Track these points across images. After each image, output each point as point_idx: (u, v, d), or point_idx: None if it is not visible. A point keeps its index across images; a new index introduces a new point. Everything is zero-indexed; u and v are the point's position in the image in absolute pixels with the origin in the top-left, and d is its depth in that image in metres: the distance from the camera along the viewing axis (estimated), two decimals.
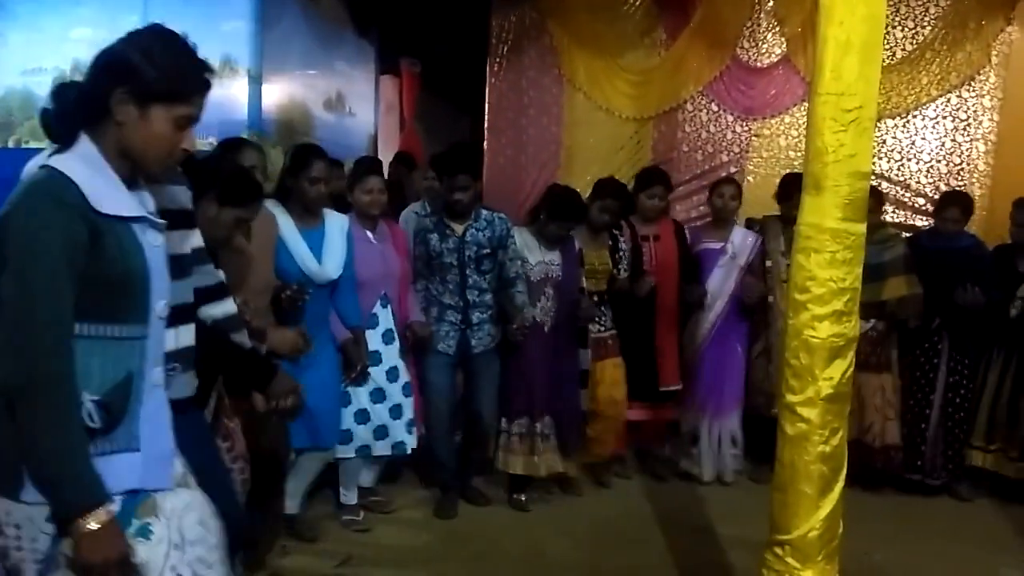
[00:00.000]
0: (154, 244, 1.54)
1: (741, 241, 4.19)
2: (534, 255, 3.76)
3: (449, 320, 3.64)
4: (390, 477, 3.98)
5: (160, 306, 1.54)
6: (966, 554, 3.57)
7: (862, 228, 2.22)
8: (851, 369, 2.26)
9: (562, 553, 3.48)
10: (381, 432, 3.49)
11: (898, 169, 5.29)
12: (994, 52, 5.14)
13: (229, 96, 4.49)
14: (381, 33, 5.87)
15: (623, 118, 5.62)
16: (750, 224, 4.42)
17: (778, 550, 2.31)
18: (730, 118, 5.54)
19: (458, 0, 5.55)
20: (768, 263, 4.17)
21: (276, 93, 4.76)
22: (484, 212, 3.67)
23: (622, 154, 5.58)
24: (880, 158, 5.26)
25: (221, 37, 4.49)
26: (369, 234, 3.48)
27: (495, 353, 3.72)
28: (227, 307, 2.14)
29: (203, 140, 4.26)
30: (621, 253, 4.04)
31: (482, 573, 3.30)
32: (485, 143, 5.77)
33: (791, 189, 4.00)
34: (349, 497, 3.62)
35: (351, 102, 5.62)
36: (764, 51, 5.45)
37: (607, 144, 5.55)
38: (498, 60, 5.72)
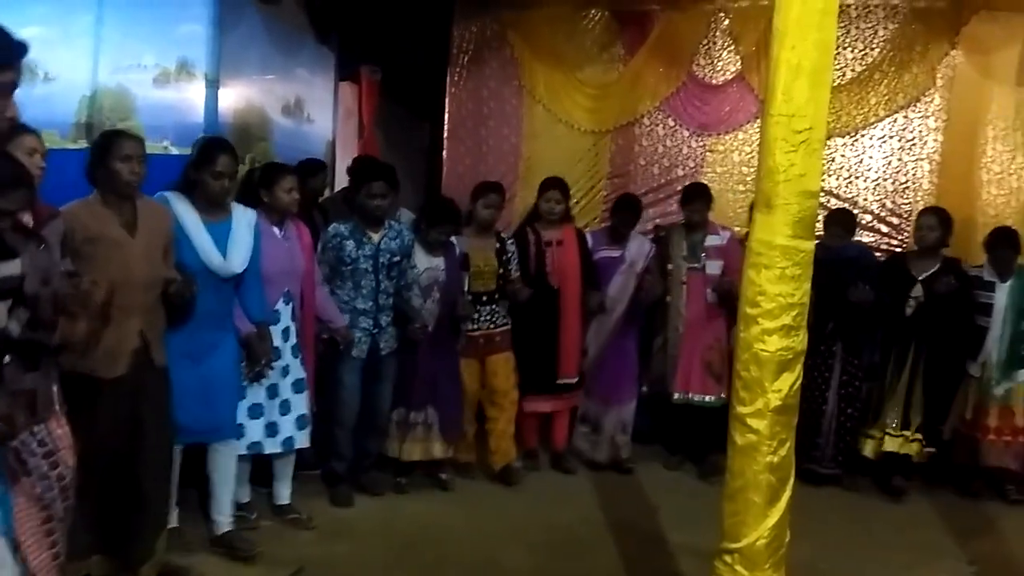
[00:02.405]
0: None
1: (638, 249, 4.60)
2: (422, 262, 4.03)
3: (362, 327, 3.84)
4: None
5: None
6: (906, 559, 3.68)
7: (811, 245, 2.29)
8: (799, 381, 2.33)
9: (516, 561, 3.50)
10: (272, 429, 3.49)
11: (846, 186, 5.44)
12: (939, 75, 5.30)
13: (185, 100, 4.43)
14: (341, 40, 5.84)
15: (581, 131, 5.69)
16: (656, 229, 4.79)
17: (727, 558, 2.36)
18: (686, 133, 5.64)
19: (419, 9, 5.56)
20: (669, 266, 4.55)
21: (233, 98, 4.71)
22: (393, 223, 3.95)
23: (580, 166, 5.65)
24: (829, 175, 5.39)
25: (178, 40, 4.43)
26: (276, 230, 3.50)
27: (395, 354, 3.97)
28: None
29: (157, 143, 4.21)
30: (509, 255, 4.29)
31: None
32: (444, 152, 5.79)
33: (692, 195, 4.60)
34: (241, 495, 3.58)
35: (310, 108, 5.58)
36: (719, 69, 5.56)
37: (565, 156, 5.61)
38: (459, 70, 5.75)
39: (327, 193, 5.17)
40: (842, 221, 4.60)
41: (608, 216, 5.32)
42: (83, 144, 4.18)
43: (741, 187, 5.49)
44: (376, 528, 3.74)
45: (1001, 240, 4.40)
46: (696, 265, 4.53)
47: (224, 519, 3.32)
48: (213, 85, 4.46)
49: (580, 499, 4.24)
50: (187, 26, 4.43)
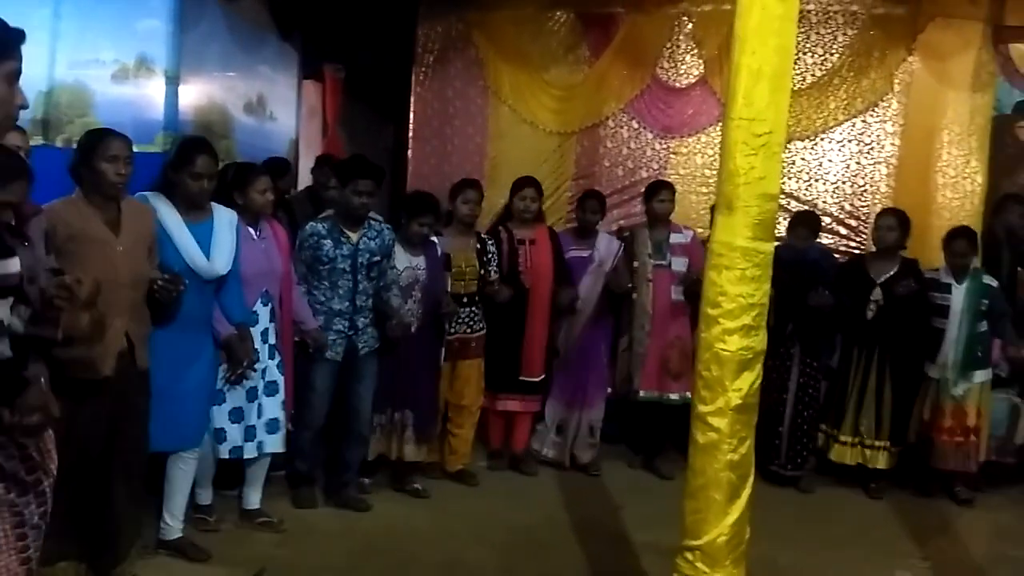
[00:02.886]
0: None
1: (606, 248, 4.57)
2: (401, 261, 3.94)
3: (337, 328, 3.73)
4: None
5: None
6: (863, 555, 3.75)
7: (770, 247, 2.33)
8: (759, 380, 2.37)
9: (480, 562, 3.50)
10: (250, 433, 3.44)
11: (806, 189, 5.52)
12: (896, 80, 5.41)
13: (144, 96, 4.37)
14: (304, 37, 5.81)
15: (547, 132, 5.70)
16: (620, 232, 4.79)
17: (689, 555, 2.39)
18: (650, 135, 5.68)
19: (383, 8, 5.54)
20: (636, 264, 4.56)
21: (194, 95, 4.65)
22: (373, 222, 3.81)
23: (545, 167, 5.66)
24: (789, 178, 5.48)
25: (137, 36, 4.37)
26: (252, 231, 3.44)
27: (375, 354, 3.87)
28: None
29: None
30: (489, 256, 4.27)
31: None
32: (409, 152, 5.77)
33: (657, 187, 4.67)
34: (204, 496, 3.52)
35: (272, 106, 5.54)
36: (683, 72, 5.62)
37: (531, 157, 5.62)
38: (424, 70, 5.73)
39: (291, 192, 5.14)
40: (807, 222, 4.66)
41: (574, 216, 5.35)
42: (40, 141, 4.10)
43: (704, 189, 5.55)
44: (340, 529, 3.71)
45: (958, 236, 4.46)
46: (662, 262, 4.55)
47: (177, 524, 3.27)
48: (173, 82, 4.40)
49: (544, 499, 4.25)
50: (146, 21, 4.38)
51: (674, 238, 4.59)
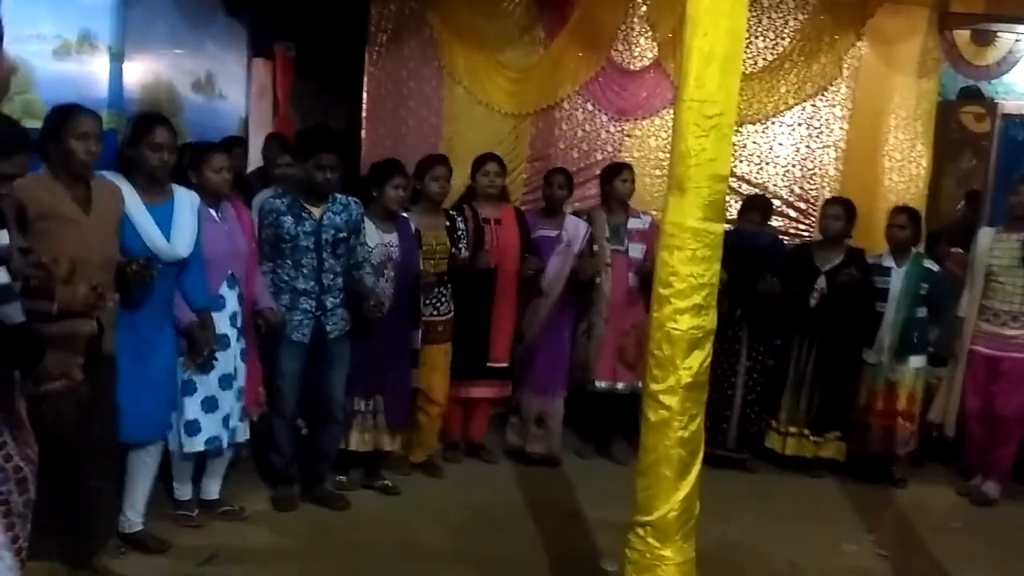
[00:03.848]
0: None
1: (574, 229, 4.45)
2: (373, 238, 3.77)
3: (303, 308, 3.57)
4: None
5: None
6: (810, 531, 3.86)
7: (720, 228, 2.36)
8: (709, 359, 2.41)
9: (435, 542, 3.52)
10: (227, 422, 3.36)
11: (757, 172, 5.60)
12: (845, 65, 5.50)
13: (88, 73, 4.22)
14: (253, 14, 5.68)
15: (502, 113, 5.67)
16: (577, 214, 4.69)
17: (640, 531, 2.43)
18: (604, 118, 5.69)
19: None
20: (595, 248, 4.45)
21: (139, 72, 4.52)
22: (339, 196, 3.63)
23: (500, 148, 5.59)
24: (741, 161, 5.55)
25: (79, 10, 4.22)
26: (213, 212, 3.34)
27: (347, 337, 3.70)
28: None
29: None
30: (459, 233, 4.14)
31: (354, 566, 3.30)
32: (363, 132, 5.70)
33: (609, 176, 4.57)
34: (183, 492, 3.45)
35: (221, 84, 5.41)
36: (637, 55, 5.63)
37: (486, 138, 5.58)
38: (377, 49, 5.65)
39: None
40: (759, 206, 4.67)
41: (530, 197, 5.35)
42: None
43: (658, 172, 5.58)
44: (292, 513, 3.69)
45: (900, 211, 4.53)
46: (619, 248, 4.48)
47: (137, 518, 3.19)
48: (118, 59, 4.27)
49: (497, 481, 4.28)
50: None
51: (632, 223, 4.53)
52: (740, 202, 5.01)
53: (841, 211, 4.47)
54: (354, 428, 3.86)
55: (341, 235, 3.60)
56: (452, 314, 4.14)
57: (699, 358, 2.36)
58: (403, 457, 4.18)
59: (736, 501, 4.06)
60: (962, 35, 5.43)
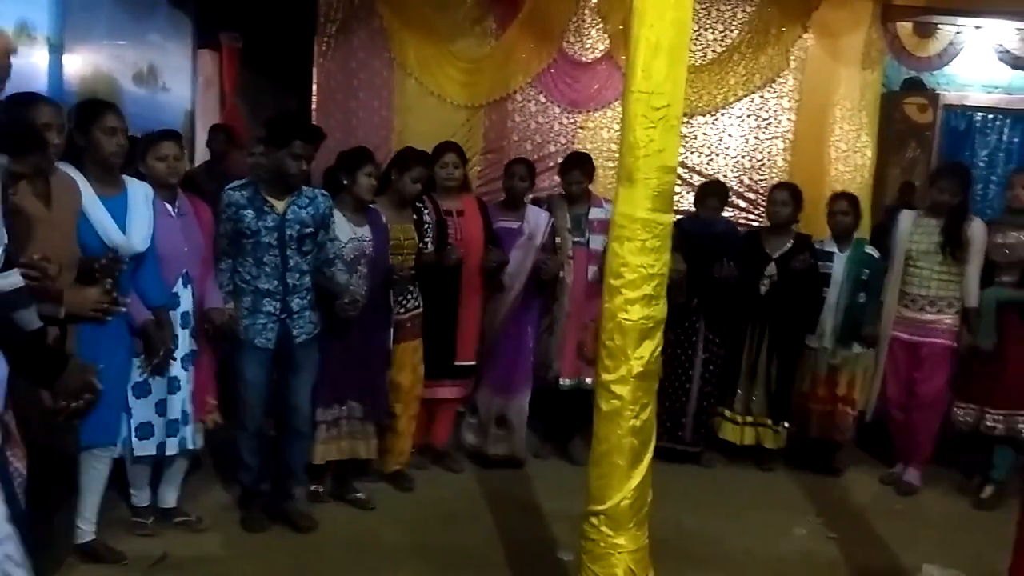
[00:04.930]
0: None
1: (536, 220, 4.30)
2: (344, 232, 3.55)
3: (266, 311, 3.32)
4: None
5: None
6: (762, 517, 3.92)
7: (669, 218, 2.38)
8: (659, 348, 2.43)
9: (392, 537, 3.50)
10: (173, 427, 3.22)
11: (708, 163, 5.66)
12: (792, 57, 5.58)
13: (26, 65, 4.09)
14: (198, 4, 5.56)
15: (455, 105, 5.64)
16: (536, 203, 4.56)
17: (594, 520, 2.44)
18: (557, 110, 5.70)
19: None
20: (557, 240, 4.33)
21: (79, 63, 4.40)
22: (305, 188, 3.40)
23: (454, 141, 5.61)
24: (692, 152, 5.61)
25: (17, 0, 4.10)
26: (168, 206, 3.19)
27: (316, 341, 3.46)
28: (11, 280, 1.86)
29: None
30: (427, 227, 3.96)
31: (312, 562, 3.26)
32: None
33: (570, 164, 4.43)
34: (140, 499, 3.33)
35: (165, 76, 5.29)
36: (588, 47, 5.65)
37: (438, 130, 5.52)
38: (326, 40, 5.57)
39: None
40: (717, 193, 4.62)
41: (483, 191, 5.32)
42: None
43: (611, 164, 5.59)
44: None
45: (840, 196, 4.57)
46: (580, 240, 4.35)
47: (89, 528, 3.08)
48: (56, 50, 4.15)
49: (454, 476, 4.25)
50: None
51: (594, 213, 4.35)
52: (691, 192, 5.05)
53: (787, 196, 4.47)
54: (326, 438, 3.64)
55: (307, 231, 3.34)
56: (420, 310, 3.96)
57: (650, 348, 2.38)
58: (373, 468, 3.97)
59: (690, 489, 4.12)
60: (904, 27, 5.55)
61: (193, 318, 3.30)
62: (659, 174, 2.32)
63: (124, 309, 2.65)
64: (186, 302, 3.26)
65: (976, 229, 4.18)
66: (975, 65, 5.84)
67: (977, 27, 5.44)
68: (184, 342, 3.26)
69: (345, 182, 3.59)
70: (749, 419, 4.53)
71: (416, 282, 3.94)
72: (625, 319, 2.36)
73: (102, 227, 2.86)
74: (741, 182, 5.63)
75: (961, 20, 5.47)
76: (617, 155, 5.39)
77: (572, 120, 5.70)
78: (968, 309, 4.19)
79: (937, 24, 5.53)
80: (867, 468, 4.65)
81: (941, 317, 4.26)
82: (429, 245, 3.95)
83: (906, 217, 4.43)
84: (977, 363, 4.20)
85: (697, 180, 5.48)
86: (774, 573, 3.38)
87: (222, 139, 5.41)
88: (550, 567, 3.22)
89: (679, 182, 5.37)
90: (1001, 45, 5.45)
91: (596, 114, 5.70)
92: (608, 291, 2.41)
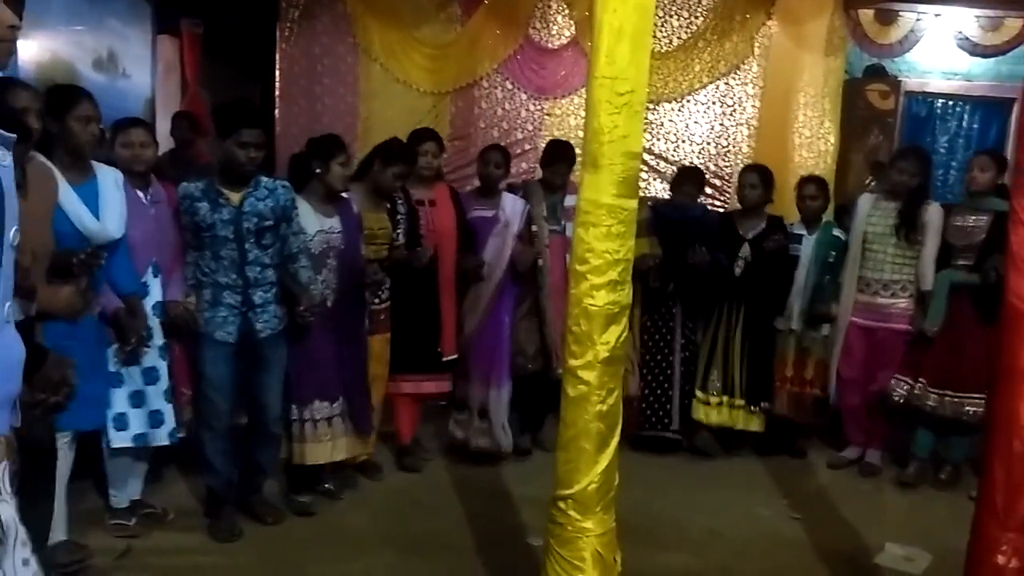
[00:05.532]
0: (2, 163, 1.34)
1: (512, 208, 4.24)
2: (312, 224, 3.43)
3: (228, 303, 3.20)
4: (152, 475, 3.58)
5: (12, 233, 1.36)
6: (728, 499, 3.98)
7: (634, 204, 2.38)
8: (625, 333, 2.43)
9: (359, 525, 3.49)
10: (157, 418, 3.19)
11: (674, 150, 5.69)
12: (757, 44, 5.62)
13: None
14: None
15: (421, 92, 5.62)
16: (511, 189, 4.52)
17: (561, 504, 2.45)
18: (524, 96, 5.69)
19: None
20: (534, 228, 4.29)
21: (35, 49, 4.30)
22: (264, 179, 3.27)
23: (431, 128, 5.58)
24: (658, 139, 5.63)
25: None
26: (140, 193, 3.16)
27: (282, 336, 3.34)
28: None
29: None
30: (400, 217, 3.88)
31: (278, 552, 3.24)
32: (277, 111, 5.56)
33: (553, 155, 4.36)
34: (121, 499, 3.28)
35: (125, 62, 5.19)
36: (555, 33, 5.65)
37: (405, 117, 5.52)
38: (289, 25, 5.51)
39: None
40: (693, 178, 4.61)
41: (451, 179, 5.28)
42: None
43: (578, 150, 5.57)
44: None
45: (809, 180, 4.58)
46: (556, 228, 4.31)
47: (57, 526, 2.98)
48: None
49: (423, 462, 4.26)
50: None
51: (569, 200, 4.26)
52: (658, 179, 5.08)
53: (757, 178, 4.47)
54: (320, 440, 3.50)
55: (266, 223, 3.21)
56: (390, 302, 3.87)
57: (616, 333, 2.39)
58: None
59: (657, 473, 4.16)
60: (866, 14, 5.60)
61: (163, 309, 3.25)
62: (624, 160, 2.32)
63: (98, 309, 2.59)
64: (156, 291, 3.22)
65: (933, 212, 4.21)
66: (935, 52, 5.93)
67: (937, 14, 5.51)
68: (159, 332, 3.22)
69: (317, 171, 3.47)
70: (725, 400, 4.51)
71: (387, 274, 3.84)
72: (591, 305, 2.37)
73: (76, 214, 2.80)
74: (707, 168, 5.64)
75: (921, 7, 5.54)
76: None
77: (539, 107, 5.70)
78: (923, 292, 4.22)
79: (898, 11, 5.59)
80: (832, 451, 4.71)
81: (895, 301, 4.29)
82: (401, 236, 3.87)
83: (865, 200, 4.46)
84: (930, 343, 4.17)
85: (664, 167, 5.51)
86: (739, 554, 3.42)
87: (185, 127, 5.32)
88: (519, 552, 3.24)
89: (646, 168, 5.42)
90: (960, 32, 5.53)
91: (563, 101, 5.71)
92: (574, 277, 2.41)
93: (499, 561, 3.21)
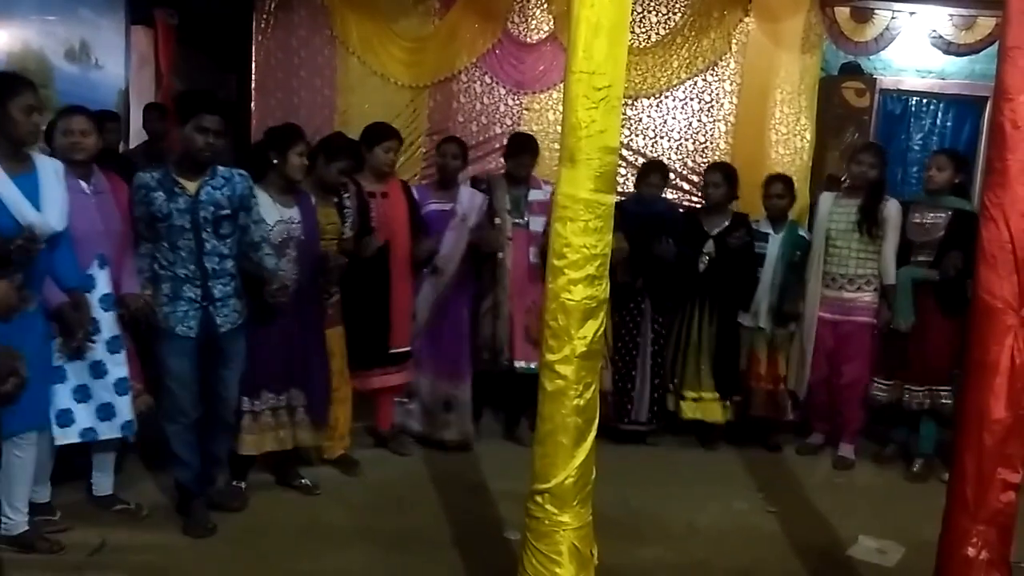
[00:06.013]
0: None
1: (469, 201, 4.28)
2: (272, 215, 3.42)
3: (187, 297, 3.18)
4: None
5: None
6: (705, 493, 4.00)
7: (611, 199, 2.39)
8: (602, 328, 2.44)
9: (337, 521, 3.48)
10: (106, 411, 3.15)
11: (652, 146, 5.70)
12: (734, 40, 5.63)
13: None
14: None
15: (399, 85, 5.58)
16: (476, 182, 4.56)
17: (539, 499, 2.46)
18: (503, 91, 5.67)
19: None
20: (496, 221, 4.33)
21: (6, 39, 4.24)
22: (221, 168, 3.23)
23: (398, 122, 5.50)
24: (637, 135, 5.64)
25: None
26: (83, 184, 3.10)
27: (242, 331, 3.34)
28: None
29: None
30: (347, 210, 3.86)
31: (254, 549, 3.22)
32: (253, 104, 5.50)
33: (516, 148, 4.39)
34: (41, 493, 3.19)
35: (98, 53, 5.11)
36: (533, 27, 5.63)
37: (383, 111, 5.48)
38: (265, 16, 5.45)
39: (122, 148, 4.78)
40: (658, 172, 4.67)
41: (430, 173, 5.26)
42: None
43: (556, 145, 5.54)
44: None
45: (775, 180, 4.67)
46: (519, 221, 4.35)
47: (21, 518, 3.00)
48: None
49: (399, 456, 4.24)
50: None
51: (533, 194, 4.37)
52: (636, 175, 5.07)
53: (720, 177, 4.54)
54: (269, 429, 3.53)
55: (223, 212, 3.18)
56: (339, 294, 3.86)
57: (593, 327, 2.39)
58: (315, 454, 3.93)
59: (634, 467, 4.18)
60: (842, 12, 5.63)
61: (112, 301, 3.19)
62: (601, 155, 2.33)
63: (33, 306, 2.54)
64: (103, 284, 3.15)
65: (891, 208, 4.35)
66: (910, 50, 5.97)
67: (912, 13, 5.55)
68: (108, 326, 3.16)
69: (275, 161, 3.45)
70: (695, 395, 4.58)
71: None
72: (568, 299, 2.37)
73: (15, 206, 2.74)
74: (684, 164, 5.68)
75: (896, 5, 5.58)
76: None
77: (518, 102, 5.69)
78: (886, 286, 4.35)
79: (873, 9, 5.63)
80: (800, 439, 4.76)
81: (860, 295, 4.40)
82: (348, 231, 3.85)
83: (826, 199, 4.60)
84: (897, 340, 4.33)
85: (642, 162, 5.51)
86: (715, 547, 3.45)
87: (157, 117, 5.25)
88: (497, 546, 3.24)
89: (624, 164, 5.42)
90: (934, 31, 5.58)
91: (542, 95, 5.69)
92: (551, 271, 2.42)
93: (477, 555, 3.21)
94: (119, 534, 3.21)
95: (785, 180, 4.67)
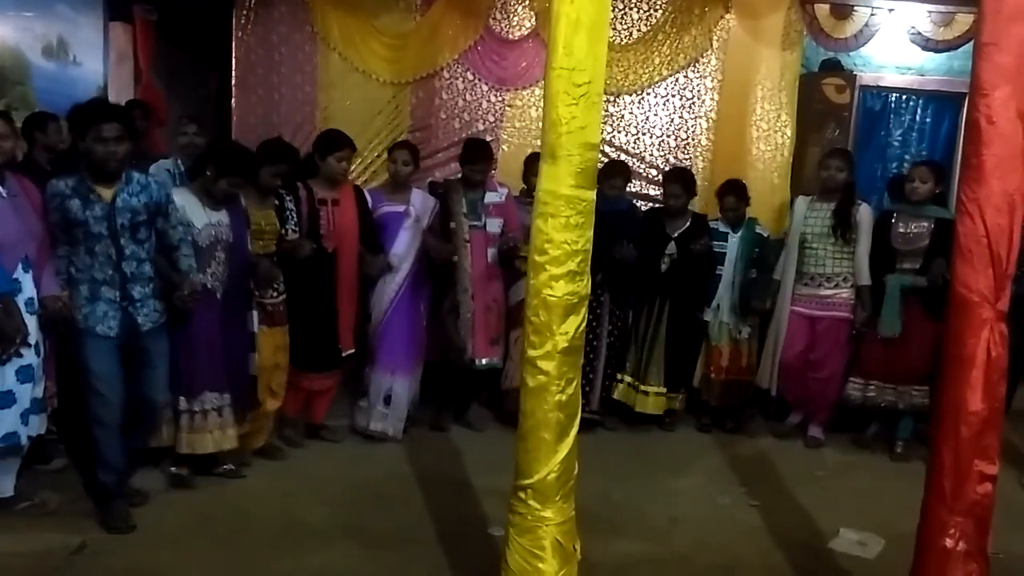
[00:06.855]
0: None
1: (422, 204, 4.45)
2: (200, 217, 3.47)
3: (107, 298, 3.16)
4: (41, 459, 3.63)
5: None
6: (686, 486, 4.03)
7: (592, 195, 2.39)
8: (583, 323, 2.45)
9: (320, 520, 3.47)
10: (28, 414, 3.15)
11: (634, 143, 5.71)
12: (715, 37, 5.64)
13: None
14: None
15: (381, 82, 5.55)
16: (433, 187, 4.72)
17: (521, 494, 2.47)
18: (485, 87, 5.66)
19: None
20: (452, 224, 4.43)
21: None
22: (136, 174, 3.25)
23: (380, 118, 5.54)
24: (619, 132, 5.65)
25: None
26: (0, 188, 3.09)
27: (164, 329, 3.35)
28: None
29: None
30: (288, 212, 3.93)
31: (237, 549, 3.20)
32: (233, 101, 5.46)
33: (472, 154, 4.49)
34: (6, 488, 3.23)
35: (76, 49, 5.06)
36: (515, 24, 5.62)
37: (364, 107, 5.48)
38: (245, 12, 5.41)
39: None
40: (620, 172, 4.80)
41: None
42: None
43: (539, 142, 5.58)
44: (169, 499, 3.55)
45: (727, 192, 4.80)
46: (478, 223, 4.46)
47: None
48: None
49: (383, 456, 4.24)
50: None
51: (489, 197, 4.50)
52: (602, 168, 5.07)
53: (680, 189, 4.70)
54: (209, 429, 3.57)
55: (140, 219, 3.18)
56: (284, 296, 3.92)
57: (574, 323, 2.40)
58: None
59: (616, 461, 4.20)
60: (822, 9, 5.66)
61: (37, 304, 3.16)
62: (582, 151, 2.34)
63: None
64: (28, 287, 3.13)
65: (863, 213, 4.55)
66: (889, 47, 6.02)
67: (890, 9, 5.59)
68: (34, 329, 3.14)
69: (208, 172, 3.55)
70: (645, 388, 4.72)
71: (278, 267, 3.89)
72: (550, 295, 2.38)
73: None
74: (667, 161, 5.69)
75: (875, 2, 5.62)
76: None
77: (500, 98, 5.68)
78: (859, 288, 4.54)
79: (853, 6, 5.66)
80: (788, 439, 4.80)
81: (838, 291, 4.60)
82: (289, 233, 3.91)
83: (801, 202, 4.78)
84: (874, 343, 4.51)
85: (624, 159, 5.52)
86: (698, 542, 3.47)
87: (138, 116, 5.19)
88: (480, 542, 3.24)
89: (605, 160, 5.42)
90: (913, 27, 5.62)
91: (524, 92, 5.69)
92: (533, 267, 2.42)
93: (460, 552, 3.21)
94: (98, 535, 3.19)
95: (738, 192, 4.81)
